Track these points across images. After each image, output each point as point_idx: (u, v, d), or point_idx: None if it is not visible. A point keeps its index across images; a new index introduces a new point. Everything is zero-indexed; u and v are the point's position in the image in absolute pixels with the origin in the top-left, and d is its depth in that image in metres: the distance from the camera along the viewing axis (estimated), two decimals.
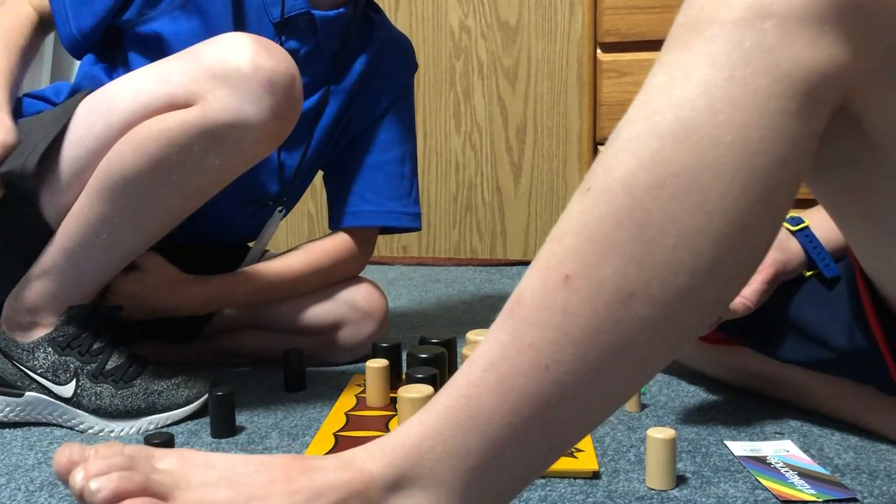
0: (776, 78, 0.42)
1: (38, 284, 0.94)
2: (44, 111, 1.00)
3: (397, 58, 1.25)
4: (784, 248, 0.85)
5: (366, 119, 1.22)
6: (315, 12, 1.09)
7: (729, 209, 0.42)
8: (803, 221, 0.88)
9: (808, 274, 0.89)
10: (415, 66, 1.29)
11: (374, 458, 0.49)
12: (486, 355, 0.47)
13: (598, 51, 1.41)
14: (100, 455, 0.47)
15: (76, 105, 0.91)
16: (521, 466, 0.49)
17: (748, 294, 0.80)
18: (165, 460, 0.49)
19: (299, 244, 1.23)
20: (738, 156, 0.42)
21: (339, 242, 1.21)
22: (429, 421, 0.48)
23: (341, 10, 1.12)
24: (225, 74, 0.84)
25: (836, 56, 0.43)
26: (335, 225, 1.24)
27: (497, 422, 0.46)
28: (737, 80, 0.42)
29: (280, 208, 1.20)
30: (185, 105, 0.86)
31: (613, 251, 0.43)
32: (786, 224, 0.88)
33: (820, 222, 0.87)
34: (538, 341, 0.45)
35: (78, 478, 0.46)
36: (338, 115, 1.19)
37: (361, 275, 1.26)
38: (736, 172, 0.42)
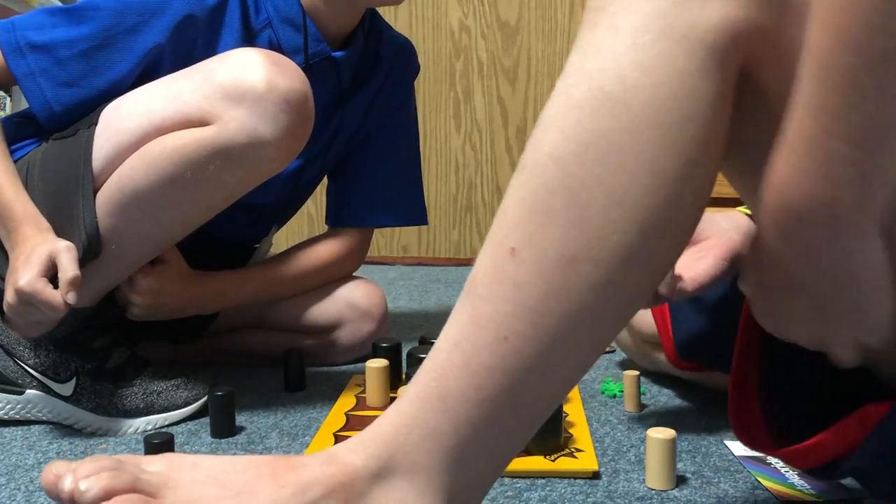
0: (675, 39, 0.45)
1: None
2: (44, 146, 0.97)
3: (404, 64, 1.26)
4: (741, 230, 0.85)
5: (373, 124, 1.23)
6: (335, 54, 1.09)
7: (648, 165, 0.45)
8: None
9: None
10: (417, 70, 1.30)
11: (355, 451, 0.49)
12: (449, 337, 0.49)
13: None
14: (87, 461, 0.47)
15: (91, 144, 0.89)
16: (497, 444, 0.50)
17: (700, 271, 0.78)
18: (154, 464, 0.49)
19: (302, 242, 1.23)
20: (649, 115, 0.45)
21: (342, 239, 1.23)
22: (403, 408, 0.49)
23: (356, 43, 1.12)
24: (239, 94, 0.84)
25: (729, 13, 0.45)
26: (338, 223, 1.24)
27: (467, 399, 0.48)
28: (639, 45, 0.45)
29: (276, 224, 1.22)
30: (199, 124, 0.86)
31: (551, 219, 0.46)
32: (744, 210, 0.88)
33: None
34: (496, 315, 0.47)
35: (67, 482, 0.46)
36: (353, 132, 1.20)
37: (360, 274, 1.26)
38: (650, 130, 0.45)
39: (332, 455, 0.50)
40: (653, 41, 0.45)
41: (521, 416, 0.49)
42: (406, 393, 0.50)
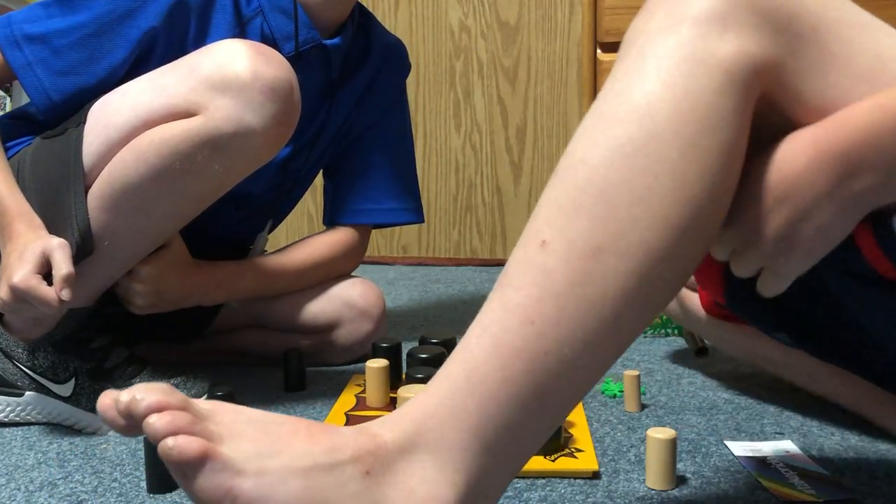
0: (695, 63, 0.52)
1: None
2: (35, 144, 0.97)
3: (395, 63, 1.26)
4: None
5: (365, 122, 1.23)
6: (326, 42, 1.09)
7: (670, 168, 0.51)
8: None
9: None
10: (408, 68, 1.31)
11: (385, 426, 0.53)
12: (479, 324, 0.53)
13: (598, 51, 1.41)
14: (141, 386, 0.51)
15: (80, 142, 0.90)
16: (519, 430, 0.52)
17: None
18: (200, 403, 0.53)
19: (301, 238, 1.23)
20: (671, 125, 0.51)
21: (341, 236, 1.23)
22: (431, 389, 0.53)
23: (346, 33, 1.12)
24: (225, 84, 0.85)
25: (743, 47, 0.53)
26: (336, 221, 1.24)
27: (492, 379, 0.51)
28: (663, 67, 0.53)
29: (270, 220, 1.22)
30: (186, 116, 0.86)
31: (580, 213, 0.51)
32: None
33: None
34: (524, 300, 0.51)
35: (123, 395, 0.49)
36: (340, 124, 1.20)
37: (358, 274, 1.26)
38: (672, 139, 0.51)
39: (364, 428, 0.53)
40: (675, 64, 0.52)
41: (545, 404, 0.52)
42: (436, 376, 0.53)
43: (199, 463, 0.46)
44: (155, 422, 0.47)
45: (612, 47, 1.39)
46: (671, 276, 0.52)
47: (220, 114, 0.84)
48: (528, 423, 0.52)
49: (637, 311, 0.52)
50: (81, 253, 0.86)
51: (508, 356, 0.50)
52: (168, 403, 0.48)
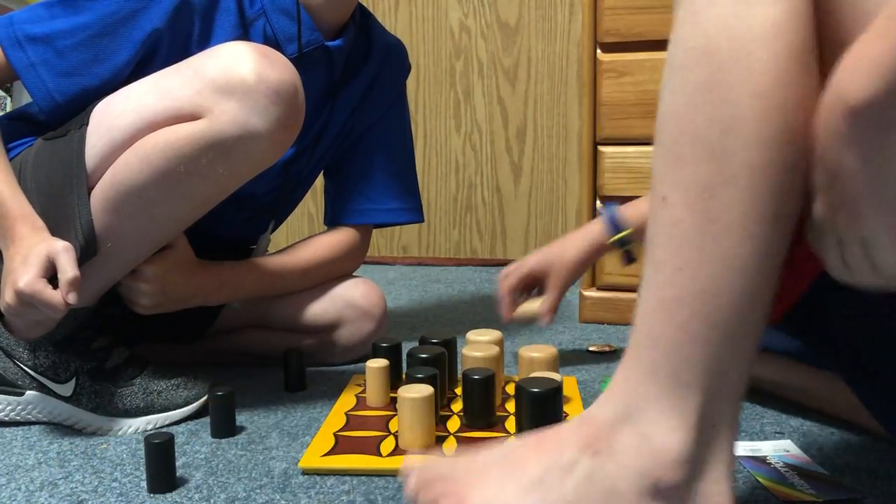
0: None
1: None
2: (37, 145, 0.97)
3: (395, 64, 1.27)
4: (582, 244, 1.14)
5: (366, 122, 1.24)
6: (329, 44, 1.09)
7: (746, 91, 0.53)
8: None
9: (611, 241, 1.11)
10: (409, 69, 1.31)
11: (599, 405, 0.58)
12: (641, 295, 0.58)
13: (598, 51, 1.41)
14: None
15: (83, 144, 0.90)
16: (712, 361, 0.55)
17: (545, 307, 1.16)
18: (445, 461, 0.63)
19: (302, 238, 1.24)
20: (732, 53, 0.53)
21: (343, 236, 1.23)
22: (625, 361, 0.58)
23: (348, 34, 1.12)
24: (230, 87, 0.85)
25: None
26: (337, 221, 1.24)
27: (666, 329, 0.56)
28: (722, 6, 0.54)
29: (272, 221, 1.22)
30: (190, 119, 0.86)
31: (682, 162, 0.55)
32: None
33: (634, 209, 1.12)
34: (665, 254, 0.56)
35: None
36: (342, 124, 1.20)
37: (359, 274, 1.27)
38: (734, 63, 0.53)
39: (582, 416, 0.59)
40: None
41: (721, 331, 0.55)
42: (625, 350, 0.59)
43: None
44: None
45: (612, 47, 1.39)
46: (781, 183, 0.54)
47: (225, 117, 0.85)
48: (716, 352, 0.55)
49: (769, 226, 0.54)
50: (85, 255, 0.86)
51: (673, 305, 0.55)
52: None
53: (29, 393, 0.95)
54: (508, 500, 0.57)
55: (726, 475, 0.57)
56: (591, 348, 1.30)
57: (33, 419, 0.96)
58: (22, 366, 0.95)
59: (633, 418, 0.57)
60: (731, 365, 0.56)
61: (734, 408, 0.57)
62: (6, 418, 0.96)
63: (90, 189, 0.89)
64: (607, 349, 1.29)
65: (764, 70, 0.52)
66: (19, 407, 0.96)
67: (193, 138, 0.85)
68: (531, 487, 0.57)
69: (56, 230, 0.87)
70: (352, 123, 1.22)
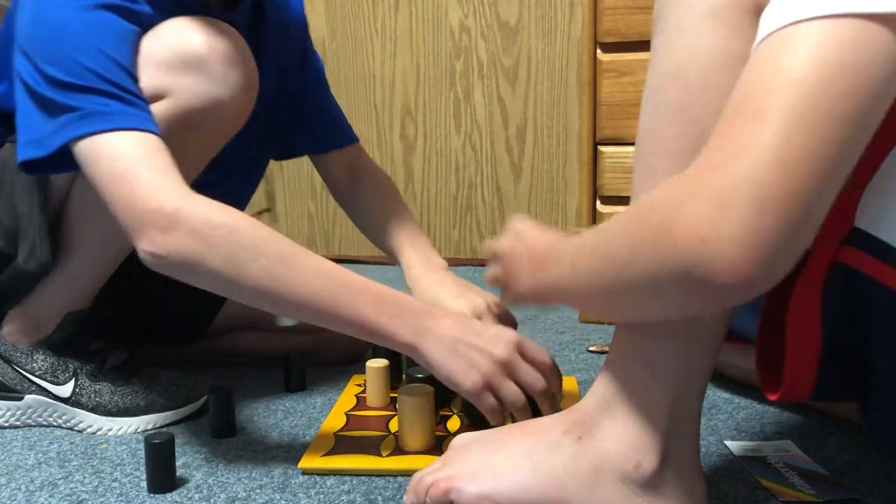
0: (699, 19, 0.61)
1: (36, 292, 0.94)
2: (6, 149, 0.94)
3: (288, 20, 1.15)
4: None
5: (295, 85, 1.16)
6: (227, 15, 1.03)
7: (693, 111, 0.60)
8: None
9: None
10: (306, 22, 1.21)
11: (586, 397, 0.65)
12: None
13: (598, 51, 1.41)
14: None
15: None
16: (674, 361, 0.62)
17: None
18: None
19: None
20: (697, 76, 0.60)
21: (349, 162, 1.22)
22: (608, 355, 0.66)
23: (244, 6, 1.03)
24: (184, 63, 0.84)
25: None
26: (335, 146, 1.20)
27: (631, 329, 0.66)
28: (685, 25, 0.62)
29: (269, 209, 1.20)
30: (153, 101, 0.84)
31: (655, 172, 0.61)
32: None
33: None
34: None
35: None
36: (273, 95, 1.12)
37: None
38: (696, 83, 0.60)
39: (568, 409, 0.67)
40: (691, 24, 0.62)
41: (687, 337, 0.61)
42: (609, 348, 0.67)
43: (445, 497, 0.62)
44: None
45: (612, 47, 1.39)
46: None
47: (187, 93, 0.85)
48: (686, 354, 0.62)
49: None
50: (44, 270, 0.88)
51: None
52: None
53: (28, 397, 0.95)
54: (498, 466, 0.63)
55: (696, 462, 0.64)
56: (591, 348, 1.30)
57: (33, 423, 0.96)
58: (20, 370, 0.95)
59: (612, 410, 0.63)
60: (698, 366, 0.63)
61: (699, 403, 0.64)
62: (6, 424, 0.96)
63: (65, 193, 0.90)
64: (607, 349, 1.29)
65: (726, 94, 0.55)
66: (19, 412, 0.96)
67: (160, 119, 0.83)
68: (520, 459, 0.63)
69: (22, 236, 0.89)
70: (278, 91, 1.13)
